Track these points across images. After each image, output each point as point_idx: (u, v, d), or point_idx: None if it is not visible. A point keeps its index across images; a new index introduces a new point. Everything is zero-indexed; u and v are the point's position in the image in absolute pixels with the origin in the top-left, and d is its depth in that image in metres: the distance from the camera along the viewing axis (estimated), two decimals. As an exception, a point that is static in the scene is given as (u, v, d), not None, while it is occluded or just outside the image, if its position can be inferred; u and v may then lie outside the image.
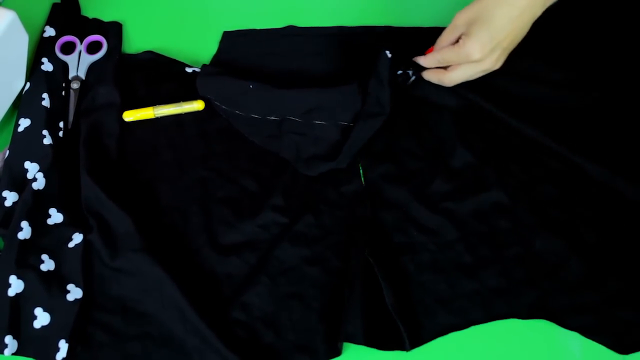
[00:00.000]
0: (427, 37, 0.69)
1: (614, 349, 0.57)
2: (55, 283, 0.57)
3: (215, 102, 0.68)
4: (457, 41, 0.65)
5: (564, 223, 0.63)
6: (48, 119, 0.64)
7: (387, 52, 0.66)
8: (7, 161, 0.62)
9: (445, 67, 0.67)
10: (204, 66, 0.70)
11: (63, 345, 0.54)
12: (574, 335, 0.58)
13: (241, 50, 0.73)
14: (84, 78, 0.69)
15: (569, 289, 0.60)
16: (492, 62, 0.64)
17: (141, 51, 0.72)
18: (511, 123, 0.68)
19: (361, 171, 0.66)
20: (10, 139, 0.64)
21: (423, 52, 0.69)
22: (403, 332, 0.56)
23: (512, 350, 0.58)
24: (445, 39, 0.66)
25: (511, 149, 0.67)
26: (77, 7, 0.75)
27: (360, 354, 0.57)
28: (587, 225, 0.63)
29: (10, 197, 0.61)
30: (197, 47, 0.73)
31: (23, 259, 0.57)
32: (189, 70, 0.71)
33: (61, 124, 0.66)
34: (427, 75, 0.69)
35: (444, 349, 0.58)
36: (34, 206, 0.60)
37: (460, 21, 0.64)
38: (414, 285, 0.60)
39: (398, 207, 0.64)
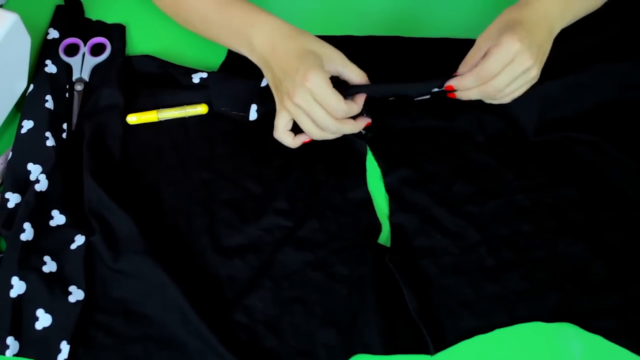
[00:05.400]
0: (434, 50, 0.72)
1: (638, 353, 0.59)
2: (57, 285, 0.61)
3: (233, 112, 0.72)
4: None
5: (585, 226, 0.65)
6: (51, 121, 0.69)
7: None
8: (10, 163, 0.66)
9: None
10: (211, 83, 0.73)
11: (64, 347, 0.58)
12: (598, 339, 0.60)
13: None
14: (87, 80, 0.74)
15: (591, 292, 0.62)
16: (532, 57, 0.59)
17: (145, 53, 0.76)
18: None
19: (380, 175, 0.69)
20: (13, 140, 0.68)
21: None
22: (427, 336, 0.59)
23: (536, 354, 0.60)
24: (471, 56, 0.63)
25: (531, 150, 0.70)
26: (81, 9, 0.79)
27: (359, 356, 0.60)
28: (609, 227, 0.65)
29: (13, 199, 0.65)
30: (200, 50, 0.76)
31: (25, 261, 0.61)
32: (195, 80, 0.73)
33: (64, 126, 0.70)
34: (468, 95, 0.64)
35: (467, 352, 0.60)
36: (36, 208, 0.64)
37: (484, 40, 0.62)
38: (436, 288, 0.62)
39: (419, 210, 0.67)
